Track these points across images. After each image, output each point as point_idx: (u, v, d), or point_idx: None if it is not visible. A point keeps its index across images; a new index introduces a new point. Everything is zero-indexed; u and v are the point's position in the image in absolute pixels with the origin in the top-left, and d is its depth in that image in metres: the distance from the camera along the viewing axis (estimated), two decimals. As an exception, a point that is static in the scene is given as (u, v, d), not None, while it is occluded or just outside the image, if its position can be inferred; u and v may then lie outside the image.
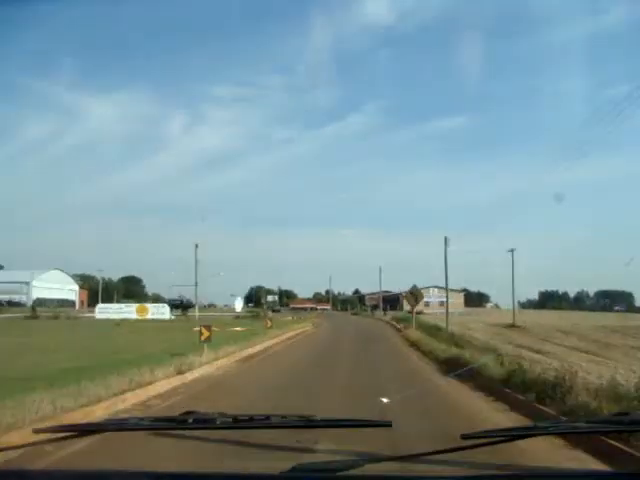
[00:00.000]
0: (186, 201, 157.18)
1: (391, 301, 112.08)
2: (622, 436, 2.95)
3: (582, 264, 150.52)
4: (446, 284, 27.34)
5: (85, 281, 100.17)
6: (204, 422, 1.48)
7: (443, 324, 31.04)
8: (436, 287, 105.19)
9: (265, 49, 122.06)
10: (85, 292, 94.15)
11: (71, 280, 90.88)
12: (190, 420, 1.47)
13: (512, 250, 50.06)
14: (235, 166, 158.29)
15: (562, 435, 1.74)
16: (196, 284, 55.40)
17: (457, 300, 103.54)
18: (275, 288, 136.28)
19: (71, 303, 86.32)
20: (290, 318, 49.03)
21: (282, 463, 1.46)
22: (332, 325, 44.66)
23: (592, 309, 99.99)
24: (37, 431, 1.57)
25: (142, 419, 1.60)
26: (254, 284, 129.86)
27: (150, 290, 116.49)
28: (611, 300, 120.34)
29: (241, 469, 1.49)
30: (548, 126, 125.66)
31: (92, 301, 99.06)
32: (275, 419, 1.48)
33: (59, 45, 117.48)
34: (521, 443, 1.57)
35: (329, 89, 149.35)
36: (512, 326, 44.12)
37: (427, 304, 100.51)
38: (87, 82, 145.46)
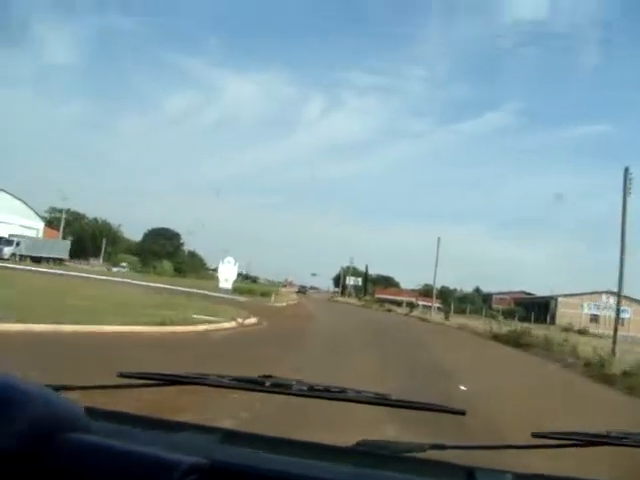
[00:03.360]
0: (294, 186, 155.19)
1: (534, 306, 73.27)
2: None
3: None
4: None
5: (69, 222, 71.50)
6: (281, 387, 1.58)
7: None
8: (610, 293, 65.21)
9: (407, 39, 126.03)
10: (56, 234, 64.93)
11: (31, 213, 61.55)
12: (268, 383, 1.56)
13: None
14: (362, 155, 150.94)
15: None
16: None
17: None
18: (375, 274, 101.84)
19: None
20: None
21: (347, 436, 1.52)
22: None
23: None
24: (122, 375, 1.59)
25: (222, 377, 1.67)
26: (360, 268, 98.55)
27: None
28: None
29: (306, 437, 1.47)
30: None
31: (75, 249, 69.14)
32: (350, 393, 1.56)
33: (205, 25, 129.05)
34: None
35: (467, 85, 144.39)
36: None
37: (594, 318, 64.43)
38: (229, 61, 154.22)
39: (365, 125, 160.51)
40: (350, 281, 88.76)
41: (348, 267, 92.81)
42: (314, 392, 1.54)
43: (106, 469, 0.88)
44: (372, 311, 54.22)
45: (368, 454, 1.34)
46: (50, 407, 0.95)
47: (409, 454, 1.38)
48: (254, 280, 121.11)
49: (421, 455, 1.37)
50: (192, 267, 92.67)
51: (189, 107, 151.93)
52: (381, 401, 1.55)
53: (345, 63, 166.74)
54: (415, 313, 54.82)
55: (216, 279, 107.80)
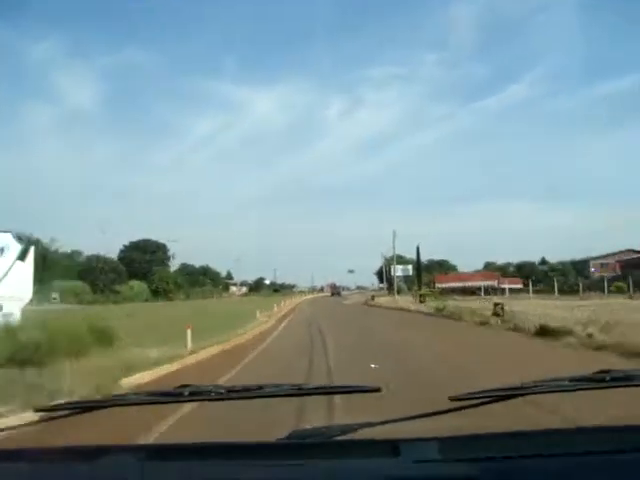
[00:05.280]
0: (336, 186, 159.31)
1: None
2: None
3: None
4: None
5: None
6: (199, 394, 1.61)
7: None
8: None
9: (416, 25, 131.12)
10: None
11: None
12: (186, 393, 1.57)
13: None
14: (393, 147, 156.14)
15: (548, 393, 1.71)
16: None
17: None
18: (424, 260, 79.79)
19: None
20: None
21: (279, 430, 1.59)
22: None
23: None
24: (38, 410, 1.59)
25: (138, 394, 1.70)
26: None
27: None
28: None
29: (237, 439, 1.50)
30: None
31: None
32: (268, 388, 1.59)
33: (222, 44, 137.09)
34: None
35: (484, 60, 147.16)
36: None
37: None
38: (249, 76, 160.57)
39: (387, 118, 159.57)
40: (398, 271, 65.36)
41: (399, 256, 69.28)
42: (233, 394, 1.54)
43: None
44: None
45: (300, 445, 1.37)
46: None
47: (340, 437, 1.39)
48: (277, 289, 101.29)
49: (351, 436, 1.39)
50: (193, 283, 72.15)
51: (210, 129, 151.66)
52: (297, 392, 1.60)
53: (359, 61, 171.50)
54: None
55: (230, 295, 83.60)
